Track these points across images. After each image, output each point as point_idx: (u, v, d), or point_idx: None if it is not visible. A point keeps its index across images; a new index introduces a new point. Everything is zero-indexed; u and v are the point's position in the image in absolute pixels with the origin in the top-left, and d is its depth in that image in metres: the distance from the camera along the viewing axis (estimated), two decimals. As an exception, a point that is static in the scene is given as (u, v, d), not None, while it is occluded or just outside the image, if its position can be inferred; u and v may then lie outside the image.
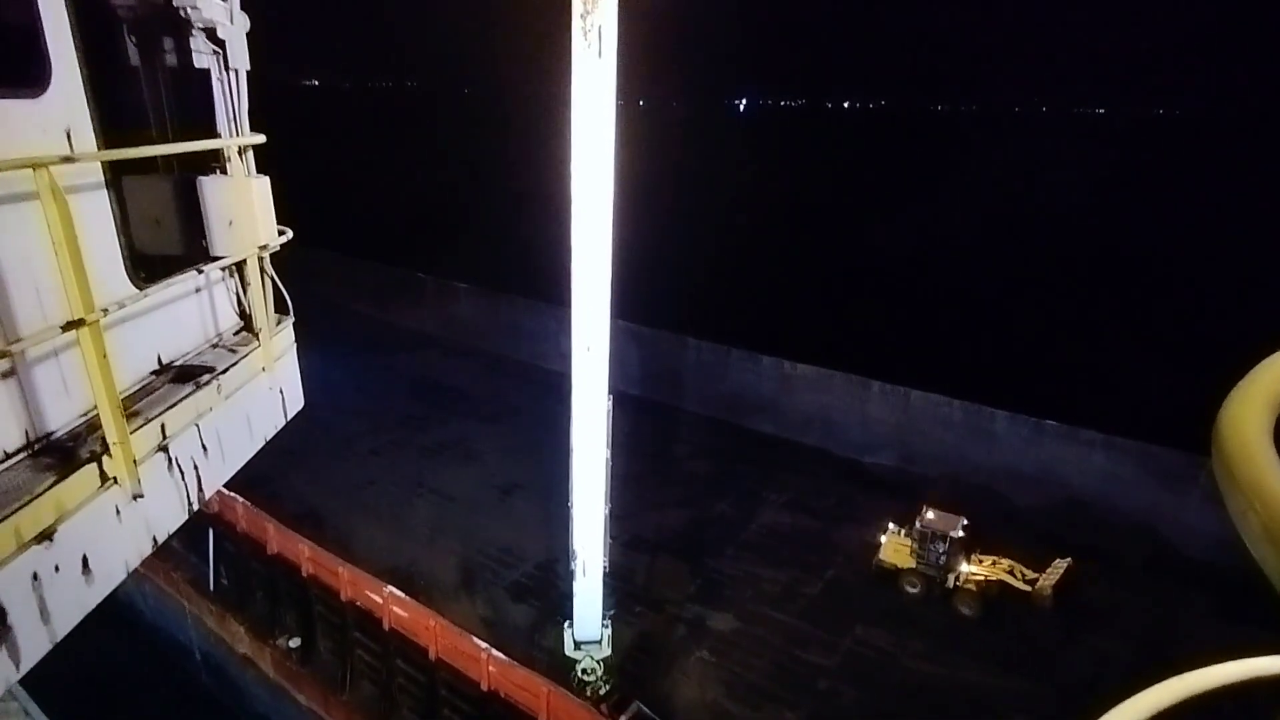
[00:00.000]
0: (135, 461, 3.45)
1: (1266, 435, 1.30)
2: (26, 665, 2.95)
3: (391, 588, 15.48)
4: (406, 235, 49.53)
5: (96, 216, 3.68)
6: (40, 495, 2.99)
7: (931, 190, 77.83)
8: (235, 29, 4.45)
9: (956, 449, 21.84)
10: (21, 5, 3.23)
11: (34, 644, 2.98)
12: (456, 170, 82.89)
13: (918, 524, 16.96)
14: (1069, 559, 17.19)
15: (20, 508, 2.90)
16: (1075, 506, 19.90)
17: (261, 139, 4.71)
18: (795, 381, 24.58)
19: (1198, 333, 30.88)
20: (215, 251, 4.48)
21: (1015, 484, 20.76)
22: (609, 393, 10.85)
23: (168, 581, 19.52)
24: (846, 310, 38.95)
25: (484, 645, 13.85)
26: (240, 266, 4.76)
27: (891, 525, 17.65)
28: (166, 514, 3.83)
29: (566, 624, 13.31)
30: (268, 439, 4.94)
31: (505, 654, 13.75)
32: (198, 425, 4.09)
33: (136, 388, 3.99)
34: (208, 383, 4.18)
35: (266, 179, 4.72)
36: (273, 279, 4.92)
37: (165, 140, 4.30)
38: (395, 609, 15.19)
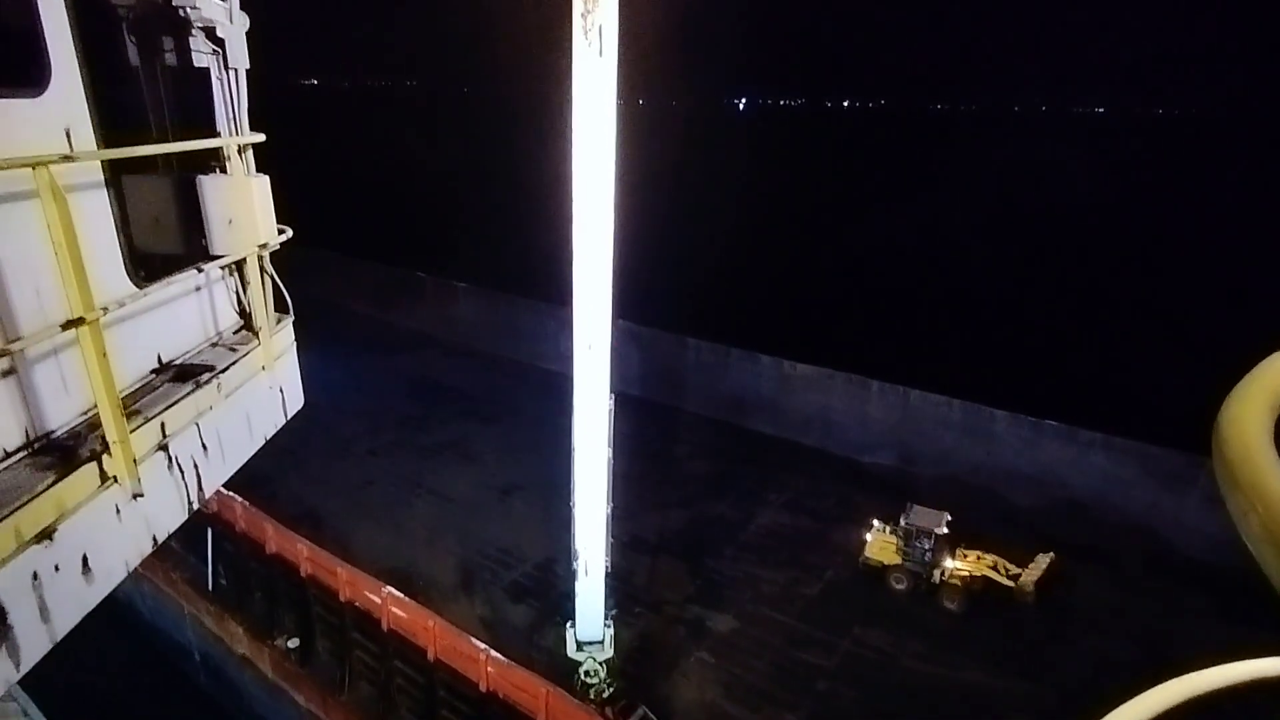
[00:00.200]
0: (135, 460, 3.45)
1: (1267, 435, 1.30)
2: (27, 665, 2.94)
3: (390, 588, 15.47)
4: (406, 235, 49.53)
5: (96, 215, 3.67)
6: (40, 494, 2.99)
7: (931, 190, 77.89)
8: (235, 28, 4.45)
9: (956, 449, 21.86)
10: (21, 5, 3.22)
11: (34, 644, 2.98)
12: (456, 170, 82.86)
13: (903, 521, 17.17)
14: (1051, 554, 17.40)
15: (20, 507, 2.90)
16: (1075, 507, 19.92)
17: (261, 138, 4.71)
18: (795, 381, 24.59)
19: (1198, 332, 30.91)
20: (215, 250, 4.48)
21: (1015, 484, 20.78)
22: (610, 392, 10.84)
23: (166, 581, 19.50)
24: (846, 310, 38.98)
25: (482, 646, 13.83)
26: (240, 265, 4.76)
27: (876, 522, 17.84)
28: (166, 513, 3.83)
29: (569, 625, 13.29)
30: (268, 438, 4.93)
31: (504, 655, 13.74)
32: (198, 424, 4.08)
33: (136, 386, 3.98)
34: (208, 381, 4.18)
35: (266, 178, 4.72)
36: (273, 278, 4.92)
37: (165, 139, 4.29)
38: (394, 609, 15.17)
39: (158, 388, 4.01)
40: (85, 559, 3.22)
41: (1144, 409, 23.04)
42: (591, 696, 13.66)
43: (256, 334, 4.82)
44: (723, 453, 23.77)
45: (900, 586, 17.25)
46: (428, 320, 34.22)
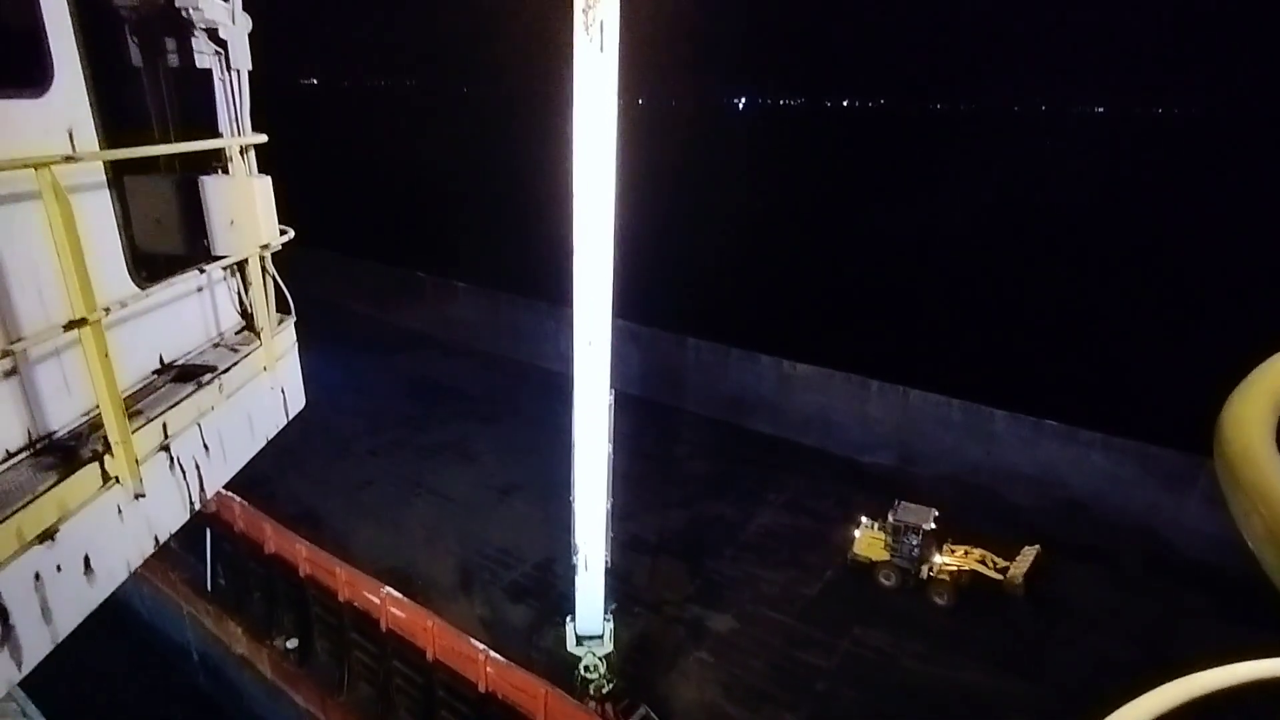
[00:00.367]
0: (137, 461, 3.45)
1: (1269, 436, 1.30)
2: (29, 665, 2.95)
3: (389, 588, 15.45)
4: (406, 235, 49.52)
5: (98, 216, 3.67)
6: (42, 495, 2.99)
7: (931, 190, 77.98)
8: (237, 29, 4.45)
9: (956, 449, 21.88)
10: (24, 5, 3.23)
11: (36, 644, 2.98)
12: (456, 169, 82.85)
13: (890, 517, 17.27)
14: (1037, 546, 17.51)
15: (22, 507, 2.90)
16: (1074, 506, 19.95)
17: (263, 139, 4.71)
18: (794, 381, 24.61)
19: (1197, 332, 30.95)
20: (217, 251, 4.48)
21: (1014, 484, 20.81)
22: (610, 388, 10.84)
23: (165, 582, 19.48)
24: (846, 310, 38.99)
25: (481, 646, 13.82)
26: (242, 266, 4.76)
27: (864, 519, 17.95)
28: (168, 513, 3.83)
29: (569, 619, 13.32)
30: (269, 438, 4.94)
31: (503, 655, 13.73)
32: (199, 424, 4.09)
33: (138, 387, 3.99)
34: (209, 382, 4.18)
35: (268, 179, 4.72)
36: (274, 278, 4.92)
37: (167, 140, 4.30)
38: (393, 610, 15.16)
39: (160, 388, 4.02)
40: (87, 559, 3.23)
41: (1144, 409, 23.07)
42: (591, 692, 13.66)
43: (258, 334, 4.82)
44: (722, 453, 23.78)
45: (888, 583, 17.39)
46: (427, 320, 34.22)
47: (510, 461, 23.03)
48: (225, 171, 4.57)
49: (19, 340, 3.10)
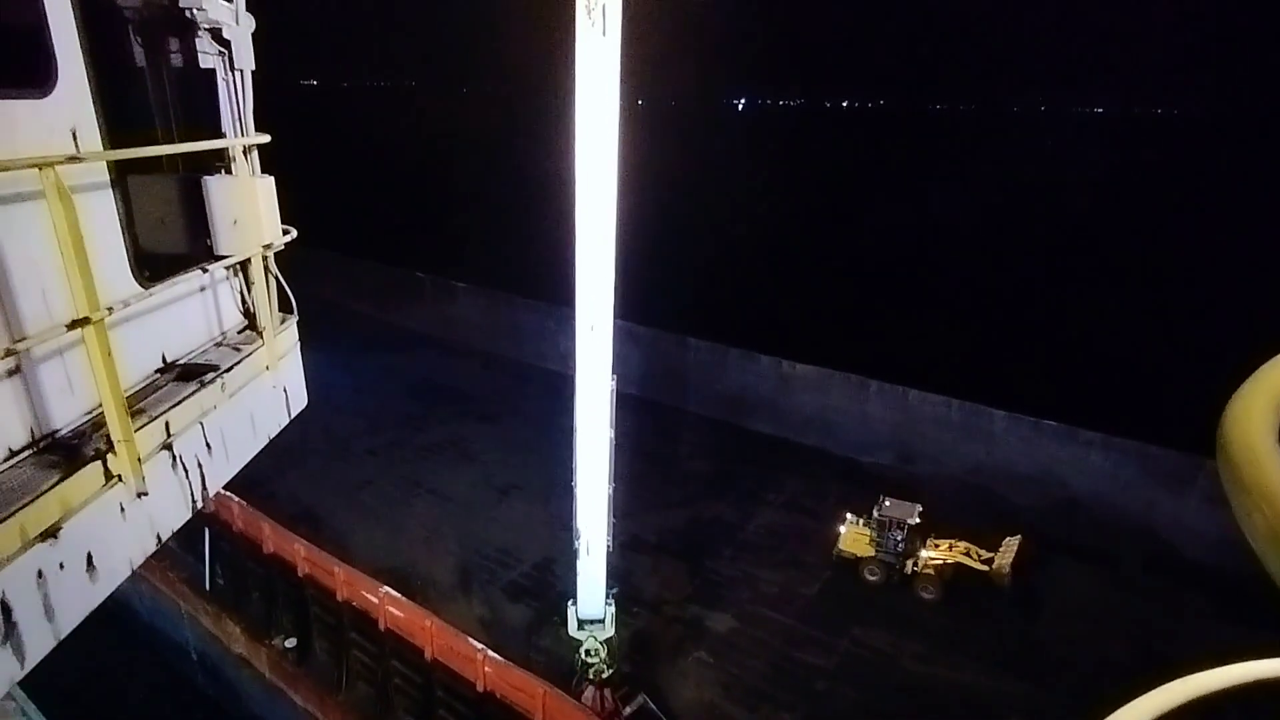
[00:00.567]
0: (140, 459, 3.46)
1: (1272, 436, 1.31)
2: (31, 663, 2.96)
3: (388, 588, 15.45)
4: (405, 235, 49.50)
5: (102, 216, 3.68)
6: (45, 493, 3.00)
7: (930, 190, 78.03)
8: (240, 29, 4.47)
9: (955, 449, 21.90)
10: (28, 5, 3.23)
11: (38, 642, 2.99)
12: (455, 169, 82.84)
13: (875, 513, 17.42)
14: (1019, 536, 17.65)
15: (25, 505, 2.91)
16: (1074, 506, 19.97)
17: (266, 139, 4.73)
18: (794, 381, 24.62)
19: (1197, 332, 30.98)
20: (220, 250, 4.50)
21: (1014, 484, 20.82)
22: (612, 374, 10.85)
23: (164, 581, 19.46)
24: (845, 310, 39.01)
25: (480, 646, 13.82)
26: (244, 265, 4.78)
27: (850, 515, 18.14)
28: (170, 512, 3.84)
29: (570, 603, 13.40)
30: (271, 437, 4.95)
31: (502, 655, 13.74)
32: (202, 423, 4.10)
33: (141, 386, 4.00)
34: (212, 381, 4.19)
35: (271, 179, 4.74)
36: (277, 278, 4.94)
37: (170, 140, 4.31)
38: (391, 609, 15.16)
39: (162, 387, 4.03)
40: (89, 557, 3.24)
41: (1143, 409, 23.11)
42: (590, 676, 13.74)
43: (260, 334, 4.83)
44: (722, 453, 23.79)
45: (873, 578, 17.55)
46: (427, 320, 34.21)
47: (510, 461, 23.03)
48: (228, 171, 4.58)
49: (22, 339, 3.11)
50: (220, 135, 4.66)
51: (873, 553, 17.44)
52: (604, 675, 13.73)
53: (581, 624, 13.43)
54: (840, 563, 17.87)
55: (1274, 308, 24.29)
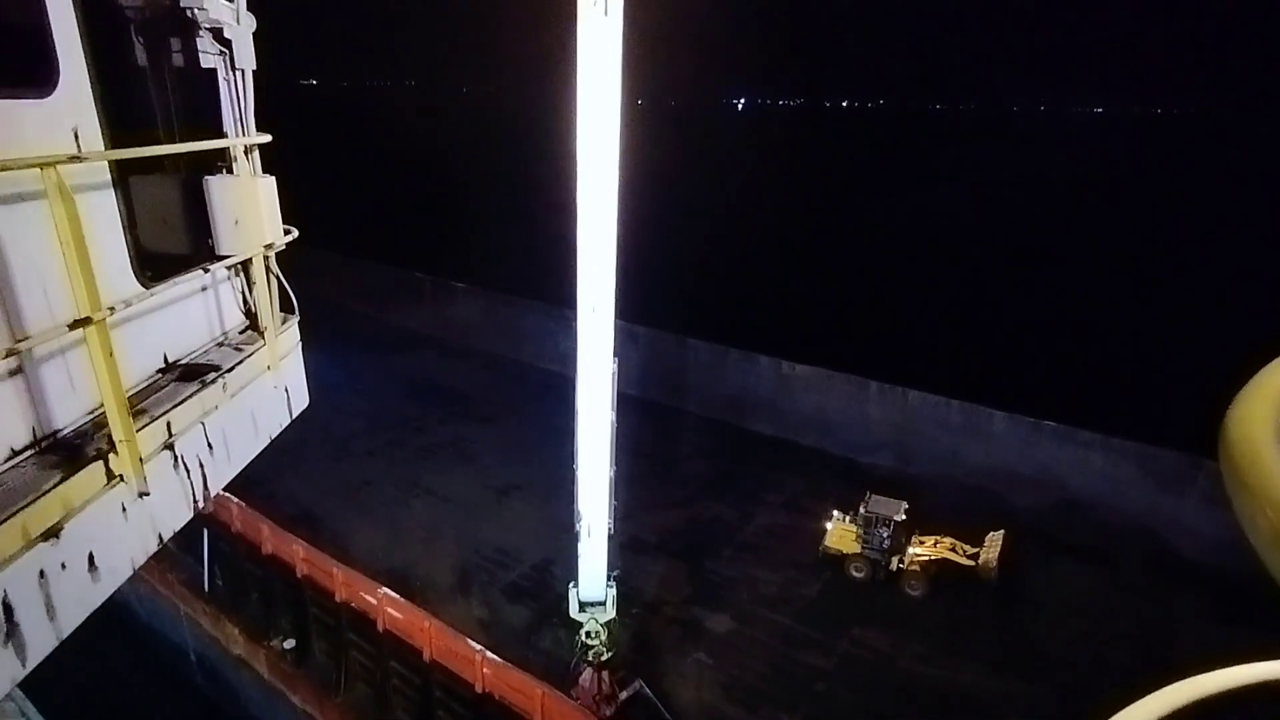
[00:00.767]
0: (141, 459, 3.47)
1: (1274, 437, 1.32)
2: (33, 662, 2.96)
3: (386, 589, 15.44)
4: (405, 235, 49.49)
5: (103, 216, 3.69)
6: (47, 493, 3.00)
7: (930, 190, 78.09)
8: (242, 29, 4.47)
9: (954, 449, 21.90)
10: (29, 5, 3.24)
11: (40, 641, 2.99)
12: (455, 170, 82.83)
13: (862, 509, 17.48)
14: (1002, 530, 17.78)
15: (27, 505, 2.91)
16: (1073, 507, 19.98)
17: (267, 138, 4.73)
18: (793, 382, 24.63)
19: (1197, 333, 31.01)
20: (221, 250, 4.50)
21: (1013, 484, 20.83)
22: (614, 355, 10.84)
23: (163, 582, 19.44)
24: (845, 310, 39.03)
25: (479, 647, 13.82)
26: (246, 265, 4.78)
27: (836, 512, 18.29)
28: (172, 512, 3.84)
29: (572, 585, 13.46)
30: (273, 437, 4.95)
31: (500, 656, 13.74)
32: (203, 423, 4.10)
33: (143, 386, 4.00)
34: (213, 381, 4.20)
35: (272, 178, 4.74)
36: (278, 278, 4.94)
37: (172, 140, 4.31)
38: (390, 611, 15.15)
39: (164, 387, 4.03)
40: (91, 557, 3.24)
41: (1143, 409, 23.12)
42: (590, 658, 13.79)
43: (262, 334, 4.84)
44: (721, 453, 23.79)
45: (859, 575, 17.64)
46: (426, 320, 34.20)
47: (509, 462, 23.02)
48: (230, 171, 4.58)
49: (24, 339, 3.11)
50: (221, 135, 4.66)
51: (859, 549, 17.57)
52: (603, 658, 13.82)
53: (583, 606, 13.51)
54: (826, 560, 18.01)
55: (1275, 308, 24.33)
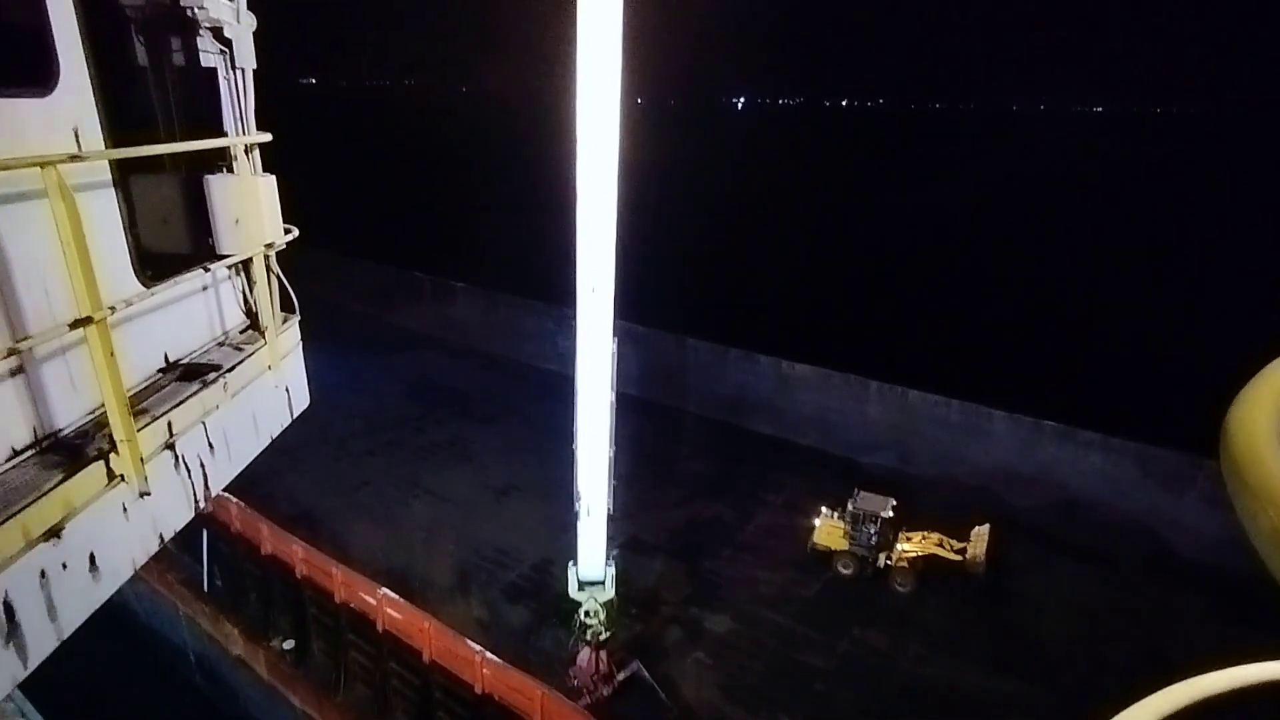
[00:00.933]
0: (142, 459, 3.46)
1: (1275, 437, 1.32)
2: (34, 662, 2.96)
3: (386, 589, 15.43)
4: (404, 235, 49.47)
5: (104, 215, 3.68)
6: (48, 493, 3.00)
7: (929, 190, 78.09)
8: (242, 28, 4.47)
9: (954, 449, 21.91)
10: (30, 5, 3.23)
11: (41, 641, 2.99)
12: (454, 169, 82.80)
13: (850, 506, 17.59)
14: (987, 524, 17.95)
15: (28, 505, 2.91)
16: (1073, 507, 19.98)
17: (268, 138, 4.73)
18: (793, 381, 24.63)
19: (1197, 333, 31.02)
20: (222, 250, 4.49)
21: (1013, 484, 20.84)
22: (614, 335, 10.88)
23: (162, 583, 19.42)
24: (844, 310, 39.04)
25: (478, 648, 13.81)
26: (246, 265, 4.77)
27: (824, 509, 18.40)
28: (173, 512, 3.84)
29: (571, 564, 13.54)
30: (273, 437, 4.95)
31: (500, 657, 13.73)
32: (204, 423, 4.10)
33: (143, 385, 4.00)
34: (214, 381, 4.19)
35: (273, 178, 4.74)
36: (279, 277, 4.93)
37: (172, 139, 4.30)
38: (389, 611, 15.14)
39: (165, 387, 4.03)
40: (92, 557, 3.24)
41: (1143, 409, 23.14)
42: (588, 638, 13.89)
43: (262, 333, 4.83)
44: (721, 453, 23.79)
45: (847, 571, 17.74)
46: (426, 320, 34.19)
47: (508, 462, 23.01)
48: (230, 170, 4.58)
49: (25, 338, 3.11)
50: (222, 134, 4.66)
51: (846, 546, 17.65)
52: (601, 637, 13.90)
53: (582, 585, 13.60)
54: (815, 556, 18.11)
55: (1276, 308, 24.34)
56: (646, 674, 14.64)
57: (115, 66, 3.88)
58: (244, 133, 4.69)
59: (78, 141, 3.44)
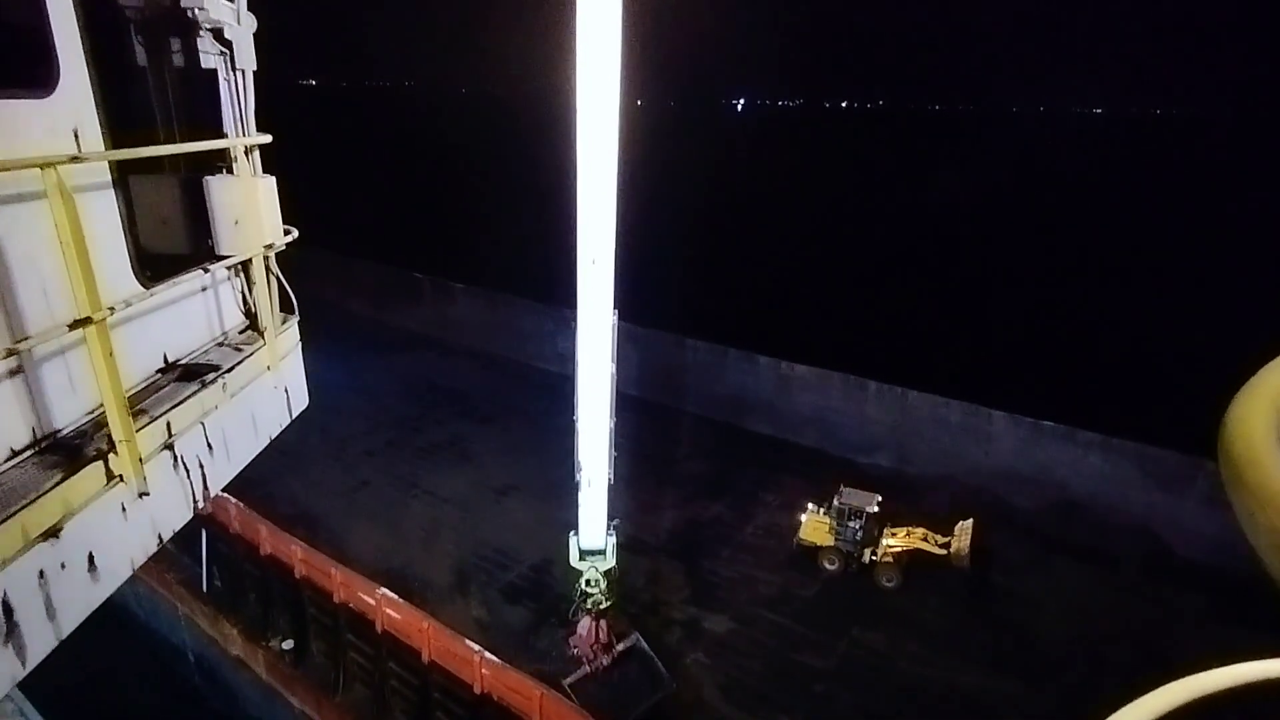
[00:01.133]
0: (141, 459, 3.47)
1: (1274, 438, 1.32)
2: (32, 662, 2.96)
3: (384, 590, 15.43)
4: (404, 235, 49.47)
5: (104, 216, 3.69)
6: (47, 493, 3.00)
7: (929, 190, 78.12)
8: (242, 29, 4.47)
9: (954, 449, 21.92)
10: (30, 5, 3.24)
11: (40, 641, 2.99)
12: (454, 170, 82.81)
13: (835, 501, 17.71)
14: (970, 520, 18.04)
15: (27, 505, 2.91)
16: (1073, 508, 19.99)
17: (268, 139, 4.73)
18: (792, 382, 24.63)
19: (1196, 333, 31.04)
20: (221, 251, 4.50)
21: (1013, 485, 20.84)
22: (614, 307, 10.97)
23: (161, 583, 19.41)
24: (844, 310, 39.04)
25: (477, 648, 13.82)
26: (246, 265, 4.78)
27: (811, 505, 18.50)
28: (172, 512, 3.84)
29: (572, 534, 13.65)
30: (272, 437, 4.95)
31: (499, 657, 13.73)
32: (203, 423, 4.10)
33: (143, 386, 4.00)
34: (213, 381, 4.20)
35: (272, 179, 4.74)
36: (278, 278, 4.94)
37: (172, 140, 4.31)
38: (388, 611, 15.13)
39: (164, 387, 4.03)
40: (91, 557, 3.24)
41: (1142, 410, 23.14)
42: (589, 607, 14.00)
43: (262, 334, 4.84)
44: (720, 453, 23.79)
45: (831, 567, 17.86)
46: (425, 320, 34.19)
47: (508, 462, 23.01)
48: (230, 171, 4.58)
49: (24, 339, 3.11)
50: (222, 135, 4.66)
51: (832, 542, 17.73)
52: (601, 607, 14.02)
53: (583, 555, 13.69)
54: (801, 552, 18.18)
55: (1274, 308, 24.36)
56: (646, 645, 14.82)
57: (115, 68, 3.88)
58: (244, 134, 4.69)
59: (78, 143, 3.45)
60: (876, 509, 17.50)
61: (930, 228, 59.91)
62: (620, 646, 14.60)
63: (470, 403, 27.24)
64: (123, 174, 3.84)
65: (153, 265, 4.05)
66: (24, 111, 3.20)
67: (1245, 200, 73.55)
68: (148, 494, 3.52)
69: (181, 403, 3.91)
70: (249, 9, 4.52)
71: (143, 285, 3.90)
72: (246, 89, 4.64)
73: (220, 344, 4.69)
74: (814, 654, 15.72)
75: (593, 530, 13.35)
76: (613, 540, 13.59)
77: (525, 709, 13.11)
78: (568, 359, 11.15)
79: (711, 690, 14.83)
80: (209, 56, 4.47)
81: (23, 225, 3.16)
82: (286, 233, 4.93)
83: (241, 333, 4.91)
